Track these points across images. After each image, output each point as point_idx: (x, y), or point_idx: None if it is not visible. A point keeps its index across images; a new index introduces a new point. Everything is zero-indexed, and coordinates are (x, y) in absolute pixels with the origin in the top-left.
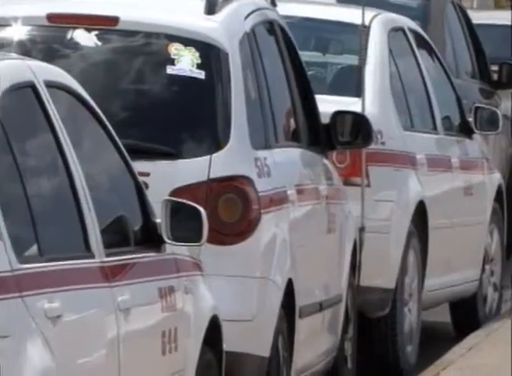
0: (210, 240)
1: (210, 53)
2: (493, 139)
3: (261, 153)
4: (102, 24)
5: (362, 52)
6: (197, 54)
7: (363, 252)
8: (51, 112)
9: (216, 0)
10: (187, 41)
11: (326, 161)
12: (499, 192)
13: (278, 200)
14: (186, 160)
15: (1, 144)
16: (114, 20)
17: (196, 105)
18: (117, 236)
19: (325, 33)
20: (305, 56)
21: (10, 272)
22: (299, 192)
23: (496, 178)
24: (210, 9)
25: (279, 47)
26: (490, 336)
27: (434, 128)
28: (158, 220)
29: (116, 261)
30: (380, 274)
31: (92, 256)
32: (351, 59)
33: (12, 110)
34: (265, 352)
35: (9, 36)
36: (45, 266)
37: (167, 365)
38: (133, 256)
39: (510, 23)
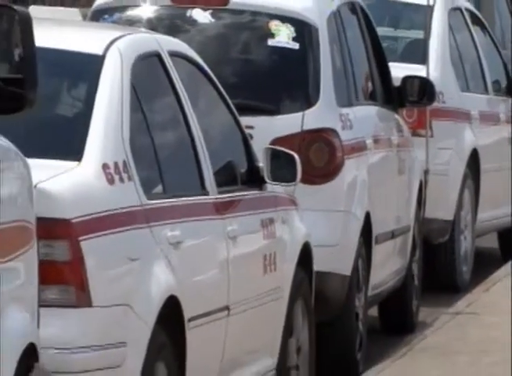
0: (303, 181)
1: (303, 29)
2: None
3: (345, 110)
4: (216, 4)
5: (426, 28)
6: (293, 29)
7: (427, 190)
8: (173, 77)
9: None
10: (284, 19)
11: (397, 117)
12: None
13: (358, 148)
14: (284, 115)
15: (134, 103)
16: (225, 1)
17: (292, 71)
18: (227, 177)
19: (396, 12)
20: (380, 30)
21: (140, 206)
22: (375, 141)
23: None
24: None
25: (360, 23)
26: None
27: (486, 89)
28: (260, 164)
29: (226, 197)
30: (441, 208)
31: (207, 193)
32: (418, 34)
33: (141, 75)
34: (348, 271)
35: (139, 14)
36: (169, 202)
37: (268, 282)
38: (240, 193)
39: None
